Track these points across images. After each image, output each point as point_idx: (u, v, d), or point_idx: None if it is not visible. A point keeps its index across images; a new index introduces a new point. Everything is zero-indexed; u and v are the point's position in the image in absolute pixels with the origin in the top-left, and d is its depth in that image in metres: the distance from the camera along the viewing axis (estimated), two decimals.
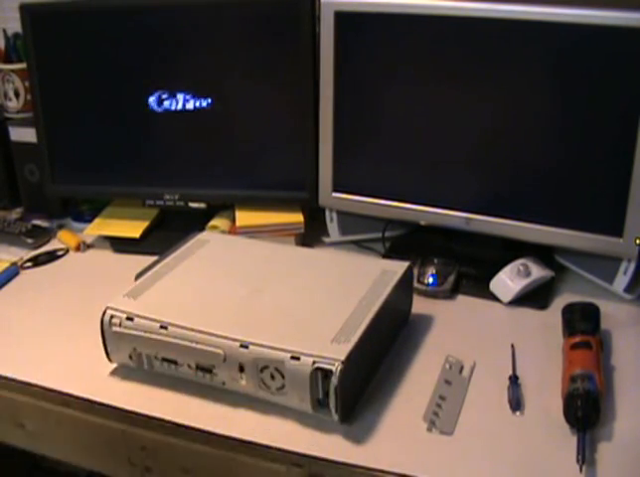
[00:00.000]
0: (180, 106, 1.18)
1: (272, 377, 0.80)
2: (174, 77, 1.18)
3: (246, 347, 0.80)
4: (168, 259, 0.99)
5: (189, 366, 0.84)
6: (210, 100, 1.17)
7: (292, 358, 0.78)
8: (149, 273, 0.96)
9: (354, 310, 0.85)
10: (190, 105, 1.18)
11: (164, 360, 0.85)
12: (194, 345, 0.83)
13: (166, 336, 0.84)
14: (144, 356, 0.86)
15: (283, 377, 0.79)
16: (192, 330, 0.83)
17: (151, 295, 0.91)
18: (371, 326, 0.83)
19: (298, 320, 0.85)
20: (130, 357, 0.87)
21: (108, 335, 0.87)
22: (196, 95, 1.18)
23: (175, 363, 0.85)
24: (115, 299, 0.89)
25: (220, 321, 0.84)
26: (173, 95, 1.18)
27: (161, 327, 0.84)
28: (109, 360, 0.89)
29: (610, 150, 0.95)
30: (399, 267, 0.95)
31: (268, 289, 0.91)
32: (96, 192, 1.28)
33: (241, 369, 0.81)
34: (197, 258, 1.00)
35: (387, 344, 0.93)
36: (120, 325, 0.86)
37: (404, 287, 0.96)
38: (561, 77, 0.96)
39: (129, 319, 0.86)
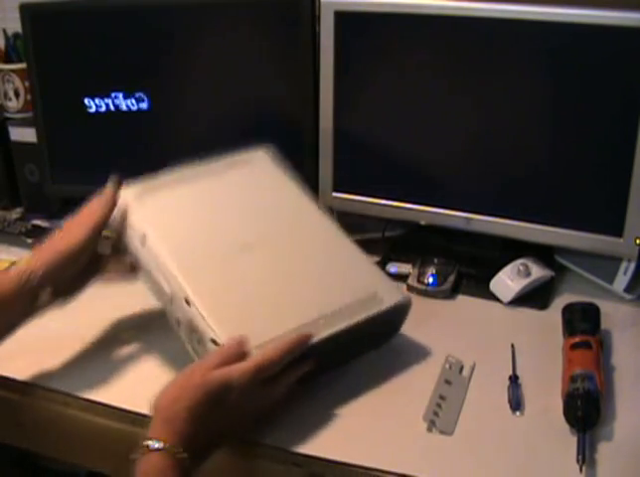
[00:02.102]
0: (180, 106, 1.18)
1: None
2: (174, 77, 1.18)
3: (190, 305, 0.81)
4: (202, 169, 0.96)
5: None
6: (209, 100, 1.17)
7: (212, 341, 0.78)
8: (175, 174, 0.94)
9: (311, 320, 0.81)
10: (190, 105, 1.18)
11: None
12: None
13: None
14: None
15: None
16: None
17: (157, 200, 0.90)
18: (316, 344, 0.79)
19: (258, 300, 0.82)
20: None
21: None
22: (195, 95, 1.18)
23: None
24: (128, 190, 0.91)
25: (198, 277, 0.83)
26: (173, 95, 1.18)
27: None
28: None
29: (610, 150, 0.95)
30: (392, 295, 0.87)
31: (258, 250, 0.87)
32: (96, 192, 1.27)
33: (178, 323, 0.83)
34: (225, 180, 0.95)
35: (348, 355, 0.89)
36: None
37: (388, 317, 0.88)
38: (561, 76, 0.96)
39: None
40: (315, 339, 0.79)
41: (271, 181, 0.98)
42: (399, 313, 0.90)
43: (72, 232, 0.87)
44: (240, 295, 0.83)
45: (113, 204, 0.89)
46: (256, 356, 0.75)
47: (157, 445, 0.68)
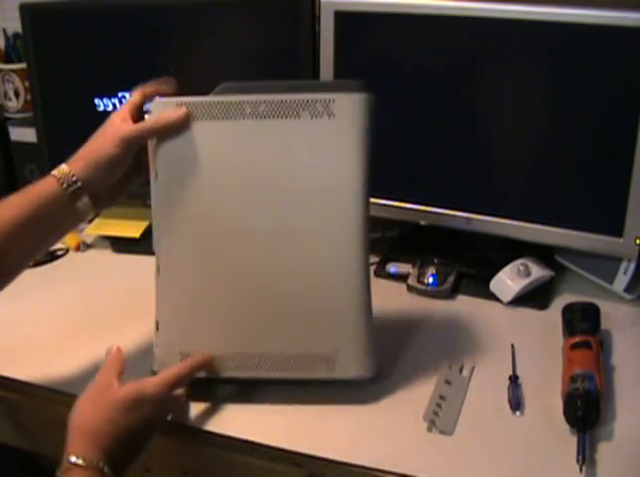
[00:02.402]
0: None
1: None
2: (173, 77, 1.17)
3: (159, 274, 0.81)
4: (275, 99, 0.79)
5: None
6: None
7: (156, 323, 0.81)
8: (243, 99, 0.81)
9: (247, 353, 0.81)
10: None
11: None
12: None
13: None
14: None
15: None
16: None
17: (194, 133, 0.81)
18: None
19: (217, 306, 0.81)
20: None
21: None
22: (194, 95, 1.17)
23: None
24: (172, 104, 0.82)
25: (179, 252, 0.81)
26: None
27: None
28: None
29: (610, 150, 0.95)
30: (349, 368, 0.81)
31: (255, 241, 0.79)
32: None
33: None
34: (284, 130, 0.79)
35: None
36: None
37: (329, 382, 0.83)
38: (561, 76, 0.96)
39: None
40: (225, 375, 0.82)
41: (334, 154, 0.79)
42: (345, 381, 0.84)
43: (109, 140, 0.82)
44: (208, 292, 0.81)
45: (168, 131, 0.82)
46: (167, 371, 0.79)
47: (81, 462, 0.69)
